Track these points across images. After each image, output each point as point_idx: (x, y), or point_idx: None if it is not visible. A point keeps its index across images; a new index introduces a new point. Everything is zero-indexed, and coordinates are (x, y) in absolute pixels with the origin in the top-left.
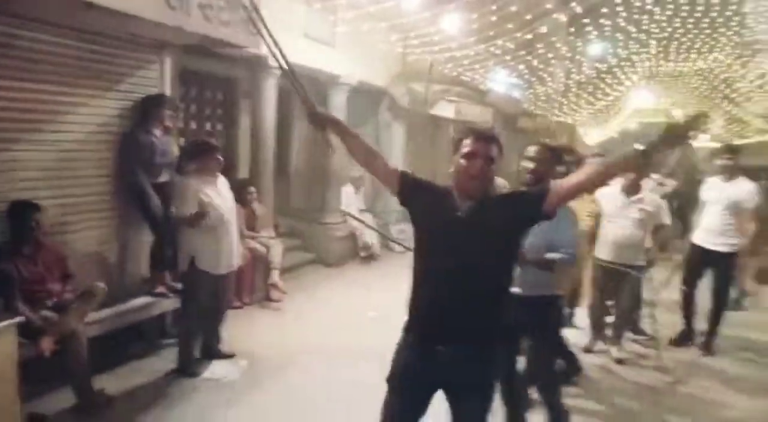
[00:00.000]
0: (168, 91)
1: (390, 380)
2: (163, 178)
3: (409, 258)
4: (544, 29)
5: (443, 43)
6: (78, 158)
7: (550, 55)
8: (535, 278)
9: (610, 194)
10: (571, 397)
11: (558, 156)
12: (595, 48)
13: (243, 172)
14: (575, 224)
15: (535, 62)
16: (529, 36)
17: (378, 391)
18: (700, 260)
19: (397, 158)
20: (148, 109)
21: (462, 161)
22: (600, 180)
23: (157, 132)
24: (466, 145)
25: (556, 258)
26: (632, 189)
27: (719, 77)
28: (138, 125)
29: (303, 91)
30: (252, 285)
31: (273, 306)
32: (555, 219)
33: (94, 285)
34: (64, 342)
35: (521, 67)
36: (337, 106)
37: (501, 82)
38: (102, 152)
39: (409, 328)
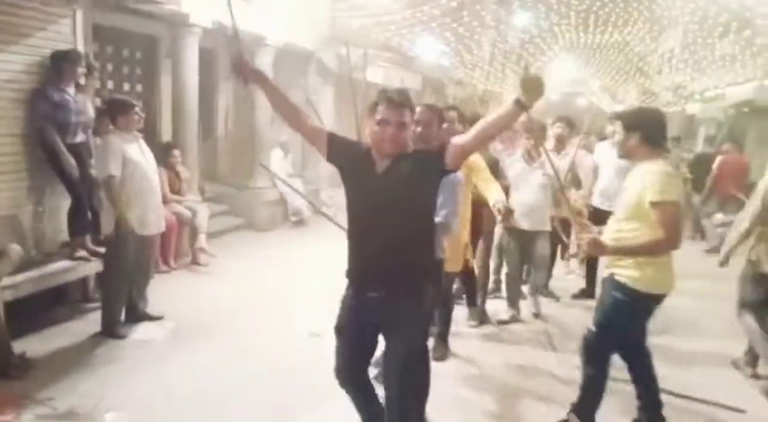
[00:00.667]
0: (81, 48)
1: (336, 327)
2: (80, 138)
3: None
4: None
5: (370, 7)
6: None
7: (475, 24)
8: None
9: (512, 161)
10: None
11: (440, 116)
12: (520, 18)
13: (165, 136)
14: (457, 191)
15: (461, 30)
16: (454, 4)
17: (298, 355)
18: (599, 221)
19: (326, 122)
20: (60, 66)
21: (376, 128)
22: (490, 133)
23: (71, 90)
24: (380, 112)
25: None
26: (532, 155)
27: (633, 50)
28: (49, 82)
29: (237, 40)
30: (178, 249)
31: (200, 270)
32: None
33: (8, 247)
34: None
35: (448, 34)
36: (263, 68)
37: (429, 49)
38: (10, 110)
39: (347, 278)
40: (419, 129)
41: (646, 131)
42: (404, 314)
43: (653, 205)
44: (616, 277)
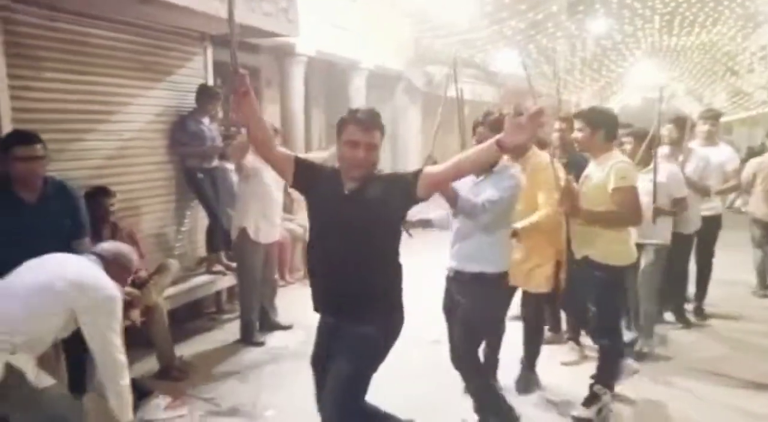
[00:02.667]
0: (210, 81)
1: (311, 357)
2: (214, 163)
3: (435, 234)
4: (554, 8)
5: (453, 26)
6: (137, 146)
7: (559, 35)
8: (470, 250)
9: None
10: None
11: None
12: (601, 25)
13: None
14: (510, 189)
15: (544, 41)
16: (540, 16)
17: (419, 361)
18: None
19: (414, 140)
20: (200, 99)
21: (345, 149)
22: (465, 169)
23: (206, 120)
24: (349, 132)
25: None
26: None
27: (721, 50)
28: (189, 114)
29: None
30: (292, 264)
31: None
32: (493, 178)
33: (168, 262)
34: (148, 313)
35: (530, 46)
36: (357, 91)
37: (510, 62)
38: (157, 140)
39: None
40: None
41: (608, 127)
42: (351, 341)
43: (616, 190)
44: (592, 258)
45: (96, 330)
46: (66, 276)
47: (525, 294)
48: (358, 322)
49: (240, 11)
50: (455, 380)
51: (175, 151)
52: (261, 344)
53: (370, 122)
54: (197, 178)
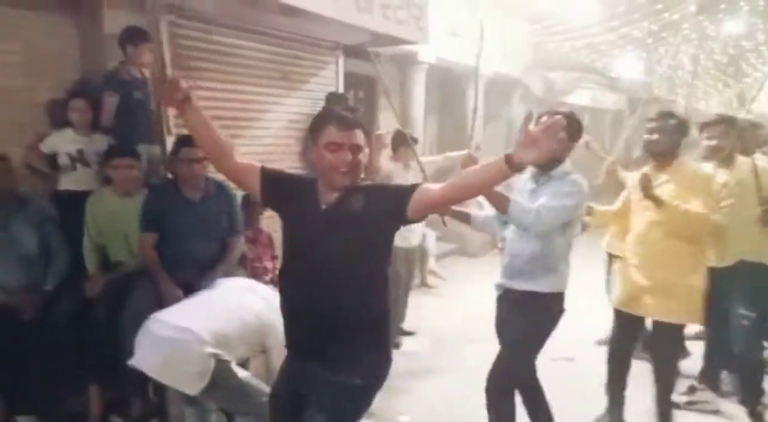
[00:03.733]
0: (341, 90)
1: (270, 392)
2: None
3: None
4: (691, 8)
5: (574, 31)
6: (275, 152)
7: (693, 36)
8: (522, 265)
9: None
10: None
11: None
12: (740, 24)
13: None
14: (571, 196)
15: (675, 43)
16: (676, 16)
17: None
18: None
19: None
20: (329, 105)
21: (326, 153)
22: (472, 188)
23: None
24: (329, 134)
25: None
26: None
27: None
28: None
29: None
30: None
31: (432, 291)
32: (551, 183)
33: None
34: None
35: (661, 49)
36: (472, 98)
37: (632, 67)
38: (292, 146)
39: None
40: (713, 143)
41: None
42: (332, 397)
43: None
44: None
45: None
46: (261, 316)
47: (658, 325)
48: (341, 371)
49: (376, 20)
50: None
51: (307, 158)
52: (397, 347)
53: (351, 120)
54: None
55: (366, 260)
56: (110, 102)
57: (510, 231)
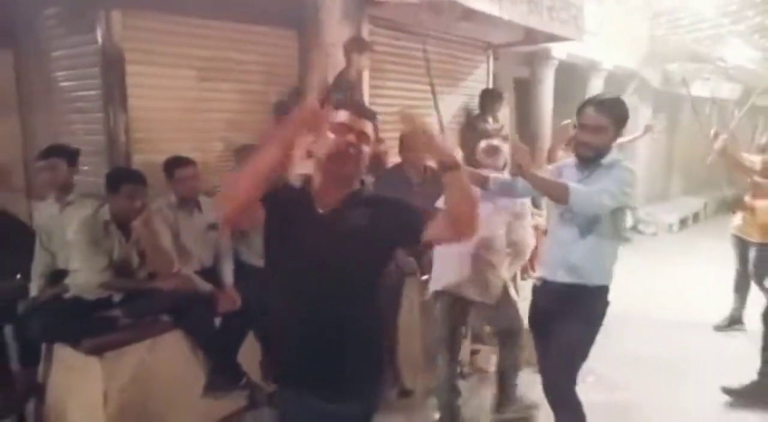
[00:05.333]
0: (491, 86)
1: None
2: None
3: (659, 241)
4: None
5: (693, 23)
6: None
7: None
8: (571, 257)
9: None
10: None
11: None
12: None
13: None
14: (628, 184)
15: None
16: None
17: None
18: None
19: (642, 141)
20: (482, 101)
21: (329, 135)
22: (460, 215)
23: (490, 119)
24: (339, 116)
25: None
26: None
27: None
28: (477, 115)
29: None
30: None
31: None
32: (602, 171)
33: None
34: None
35: None
36: (595, 92)
37: (749, 57)
38: (454, 141)
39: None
40: None
41: None
42: (328, 416)
43: None
44: None
45: None
46: None
47: None
48: (340, 400)
49: (543, 20)
50: None
51: (465, 149)
52: None
53: (365, 109)
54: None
55: (365, 274)
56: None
57: (557, 220)
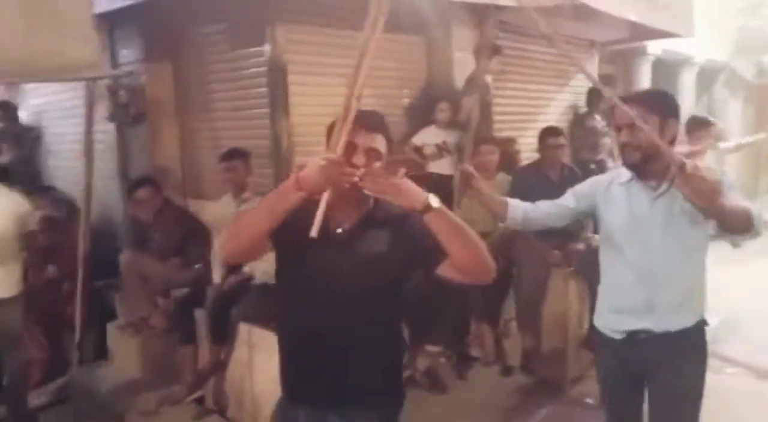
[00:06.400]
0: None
1: None
2: (600, 156)
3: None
4: None
5: None
6: None
7: None
8: (670, 296)
9: None
10: None
11: None
12: None
13: None
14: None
15: None
16: None
17: None
18: None
19: (733, 135)
20: (592, 99)
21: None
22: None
23: (597, 117)
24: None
25: None
26: None
27: None
28: (584, 113)
29: None
30: None
31: None
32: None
33: None
34: None
35: None
36: (686, 88)
37: None
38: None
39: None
40: None
41: None
42: None
43: None
44: None
45: None
46: None
47: None
48: (353, 417)
49: (658, 17)
50: None
51: (573, 144)
52: None
53: (372, 121)
54: (590, 169)
55: (385, 293)
56: (469, 102)
57: (632, 252)
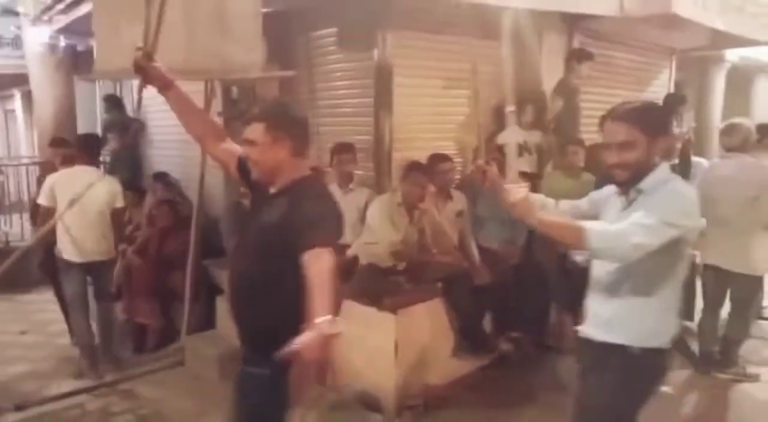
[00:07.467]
0: (671, 90)
1: None
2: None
3: None
4: None
5: None
6: None
7: None
8: (610, 311)
9: None
10: None
11: None
12: None
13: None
14: (679, 214)
15: None
16: None
17: None
18: None
19: None
20: (671, 106)
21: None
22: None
23: (675, 123)
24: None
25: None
26: None
27: None
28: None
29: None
30: None
31: None
32: (644, 199)
33: None
34: None
35: None
36: (761, 95)
37: None
38: None
39: None
40: None
41: None
42: (244, 386)
43: None
44: None
45: None
46: None
47: None
48: (254, 361)
49: (749, 26)
50: None
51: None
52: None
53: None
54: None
55: (275, 249)
56: (557, 105)
57: (597, 266)
